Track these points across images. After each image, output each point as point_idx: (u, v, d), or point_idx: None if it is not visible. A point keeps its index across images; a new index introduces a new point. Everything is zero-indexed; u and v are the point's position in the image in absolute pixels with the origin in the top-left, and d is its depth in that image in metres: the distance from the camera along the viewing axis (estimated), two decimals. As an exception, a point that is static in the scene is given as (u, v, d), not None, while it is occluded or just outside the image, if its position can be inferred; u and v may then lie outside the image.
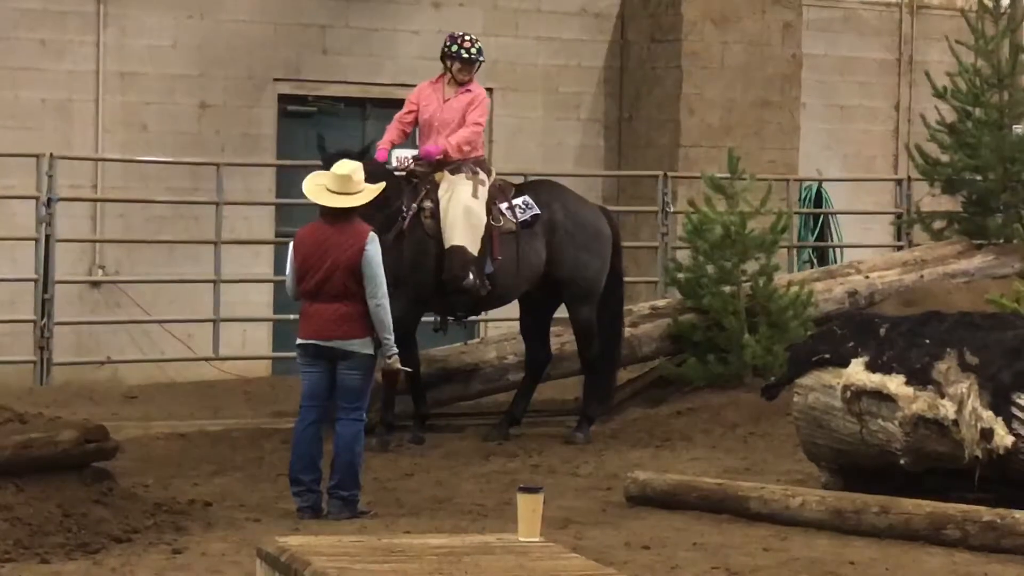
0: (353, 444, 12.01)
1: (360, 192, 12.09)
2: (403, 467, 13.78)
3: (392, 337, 12.00)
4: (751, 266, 16.66)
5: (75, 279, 18.17)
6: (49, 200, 17.35)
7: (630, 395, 16.38)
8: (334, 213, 12.04)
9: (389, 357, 12.06)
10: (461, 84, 15.12)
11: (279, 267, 18.85)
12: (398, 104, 19.66)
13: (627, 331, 16.41)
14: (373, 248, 11.90)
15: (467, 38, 15.28)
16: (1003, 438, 11.92)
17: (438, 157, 14.89)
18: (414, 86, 19.63)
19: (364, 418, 12.29)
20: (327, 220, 12.10)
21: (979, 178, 18.68)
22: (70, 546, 10.44)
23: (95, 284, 18.36)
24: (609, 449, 14.72)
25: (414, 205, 14.71)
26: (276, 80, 19.53)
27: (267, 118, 19.50)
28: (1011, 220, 18.22)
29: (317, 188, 12.07)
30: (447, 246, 14.61)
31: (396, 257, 14.03)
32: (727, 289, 16.55)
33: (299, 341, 12.20)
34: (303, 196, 12.15)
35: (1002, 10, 19.49)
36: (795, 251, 20.08)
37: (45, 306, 17.33)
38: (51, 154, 17.43)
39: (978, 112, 18.80)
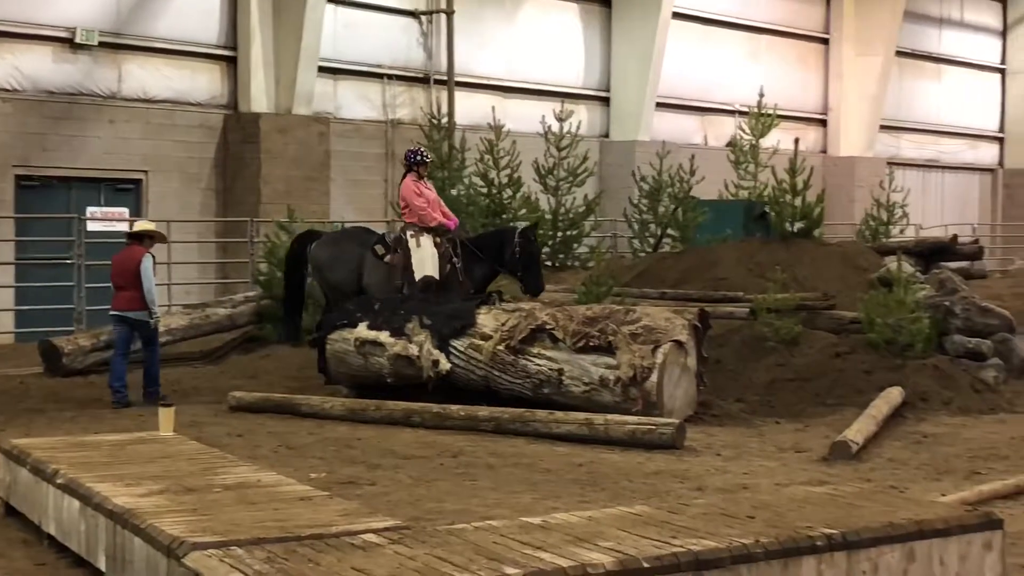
0: (154, 363, 12.75)
1: (142, 232, 12.80)
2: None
3: (156, 309, 12.67)
4: (303, 271, 16.57)
5: None
6: None
7: (232, 347, 16.04)
8: (128, 241, 12.82)
9: (154, 318, 12.64)
10: (422, 178, 13.74)
11: (17, 279, 18.04)
12: (94, 181, 19.12)
13: (230, 310, 16.11)
14: (146, 263, 12.45)
15: (421, 150, 14.11)
16: (445, 365, 12.11)
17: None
18: (104, 170, 19.09)
19: (159, 351, 12.95)
20: (127, 246, 12.78)
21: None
22: None
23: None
24: (221, 377, 14.42)
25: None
26: (14, 166, 18.49)
27: (8, 190, 18.44)
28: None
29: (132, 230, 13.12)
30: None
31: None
32: (288, 285, 16.41)
33: (110, 312, 12.86)
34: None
35: (443, 123, 19.81)
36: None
37: None
38: None
39: (432, 183, 18.94)
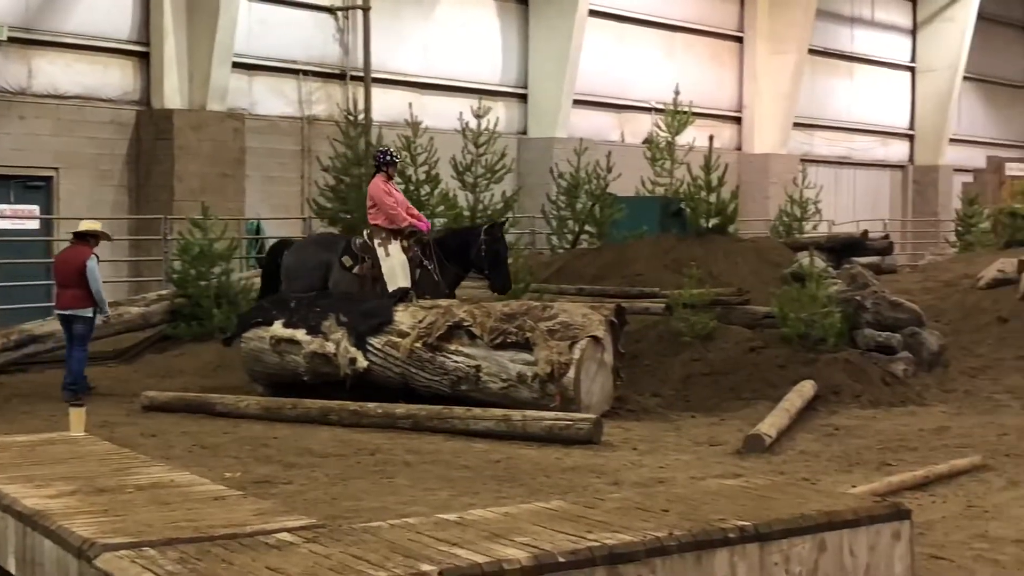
0: (81, 362, 13.07)
1: (87, 232, 13.16)
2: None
3: (107, 307, 13.18)
4: (217, 269, 16.44)
5: None
6: None
7: (146, 346, 15.86)
8: (73, 241, 13.23)
9: (106, 316, 13.21)
10: (391, 178, 13.62)
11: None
12: (3, 179, 18.74)
13: (143, 308, 15.93)
14: (91, 263, 12.86)
15: (391, 150, 13.90)
16: (362, 363, 12.07)
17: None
18: (13, 167, 18.70)
19: (87, 349, 13.30)
20: (72, 245, 13.22)
21: (348, 216, 18.77)
22: None
23: None
24: (134, 376, 14.26)
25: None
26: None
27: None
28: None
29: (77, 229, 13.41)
30: None
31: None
32: (203, 283, 16.26)
33: (55, 311, 13.46)
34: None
35: (360, 119, 19.69)
36: (243, 260, 19.81)
37: None
38: None
39: (347, 179, 18.93)
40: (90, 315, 12.96)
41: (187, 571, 4.68)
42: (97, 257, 13.09)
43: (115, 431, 10.38)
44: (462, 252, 13.27)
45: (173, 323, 16.12)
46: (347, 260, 13.32)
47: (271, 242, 20.79)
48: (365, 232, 13.56)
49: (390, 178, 13.59)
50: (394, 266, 13.05)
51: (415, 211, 13.86)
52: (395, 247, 13.11)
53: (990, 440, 10.23)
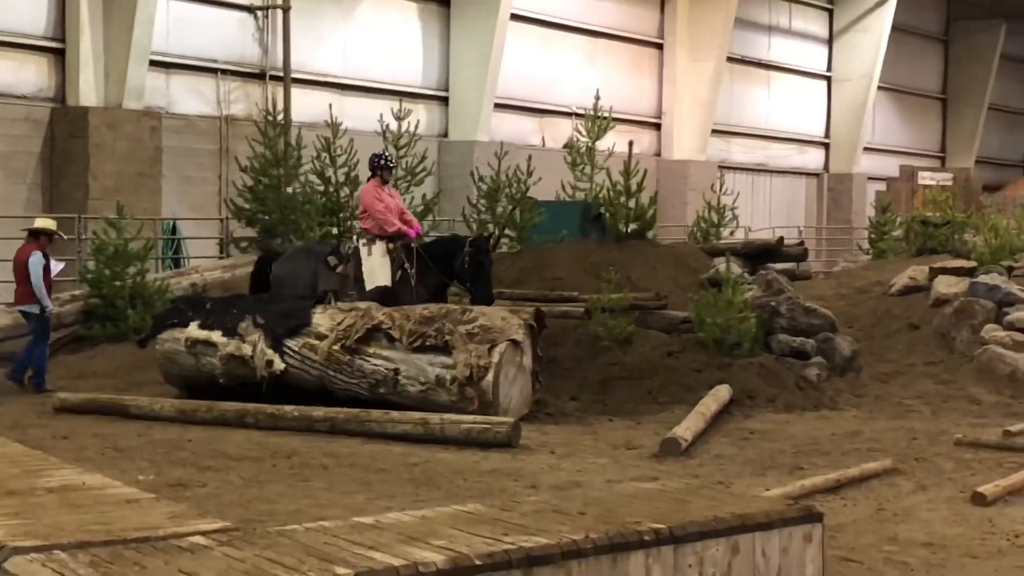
0: (42, 357, 13.54)
1: (38, 229, 13.65)
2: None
3: (47, 302, 13.48)
4: (132, 269, 16.23)
5: None
6: None
7: (59, 347, 15.60)
8: (27, 239, 13.66)
9: (47, 311, 13.52)
10: (385, 183, 13.61)
11: None
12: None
13: (57, 308, 15.66)
14: (34, 259, 13.34)
15: (386, 154, 13.94)
16: (279, 365, 12.00)
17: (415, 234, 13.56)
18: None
19: (45, 344, 13.70)
20: (26, 243, 13.63)
21: (267, 217, 18.67)
22: None
23: None
24: (48, 376, 14.00)
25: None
26: None
27: None
28: (286, 240, 18.24)
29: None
30: None
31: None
32: (118, 283, 16.06)
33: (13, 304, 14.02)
34: None
35: (279, 119, 19.56)
36: (160, 260, 19.59)
37: None
38: None
39: (266, 180, 18.81)
40: (36, 311, 13.48)
41: (99, 574, 4.62)
42: (46, 255, 13.50)
43: (26, 433, 10.21)
44: (447, 261, 13.23)
45: (87, 324, 15.90)
46: (333, 260, 13.39)
47: (188, 243, 20.82)
48: (358, 239, 13.62)
49: (385, 183, 13.61)
50: (374, 266, 13.18)
51: (409, 216, 13.94)
52: (378, 247, 13.23)
53: (900, 444, 10.41)
